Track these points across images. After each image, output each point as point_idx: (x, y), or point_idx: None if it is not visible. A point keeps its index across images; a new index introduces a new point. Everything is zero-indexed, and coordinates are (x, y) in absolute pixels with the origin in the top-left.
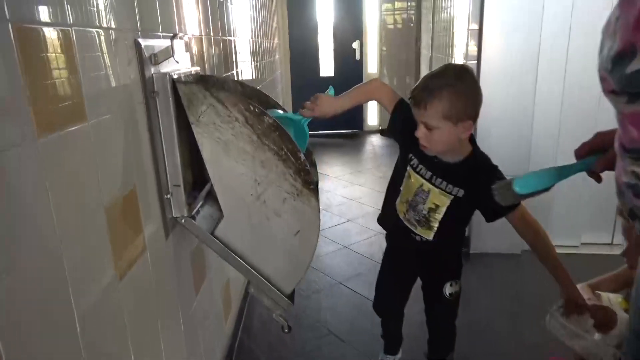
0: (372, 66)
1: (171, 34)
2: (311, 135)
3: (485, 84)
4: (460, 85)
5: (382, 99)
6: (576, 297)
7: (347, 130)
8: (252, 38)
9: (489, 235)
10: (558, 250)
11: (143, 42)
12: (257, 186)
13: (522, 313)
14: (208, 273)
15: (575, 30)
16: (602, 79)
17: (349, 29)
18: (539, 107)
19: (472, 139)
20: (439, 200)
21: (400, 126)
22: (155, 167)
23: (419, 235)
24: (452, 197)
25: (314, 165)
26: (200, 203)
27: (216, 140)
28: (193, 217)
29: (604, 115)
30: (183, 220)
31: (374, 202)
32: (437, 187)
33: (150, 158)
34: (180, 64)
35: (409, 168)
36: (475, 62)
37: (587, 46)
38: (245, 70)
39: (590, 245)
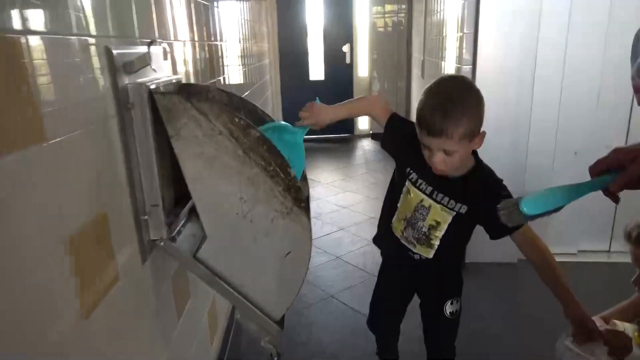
0: (362, 70)
1: (148, 40)
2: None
3: (481, 89)
4: (472, 99)
5: (378, 116)
6: (585, 320)
7: (337, 134)
8: (240, 42)
9: (485, 245)
10: (556, 259)
11: (115, 50)
12: (243, 204)
13: (522, 323)
14: (192, 293)
15: (573, 34)
16: (637, 90)
17: (339, 32)
18: (536, 112)
19: (474, 152)
20: (440, 216)
21: (395, 142)
22: (131, 186)
23: (417, 253)
24: (455, 213)
25: (305, 179)
26: (183, 221)
27: (198, 156)
28: (173, 238)
29: (603, 120)
30: (162, 243)
31: (367, 210)
32: (438, 202)
33: (125, 177)
34: (159, 73)
35: (407, 183)
36: (470, 66)
37: (585, 49)
38: (233, 75)
39: (588, 253)
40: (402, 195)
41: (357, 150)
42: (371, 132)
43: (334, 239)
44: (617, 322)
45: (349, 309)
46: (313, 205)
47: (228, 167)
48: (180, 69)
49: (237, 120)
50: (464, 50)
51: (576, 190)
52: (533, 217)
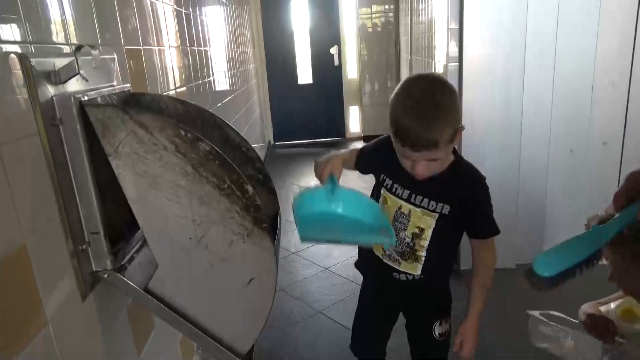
0: (351, 71)
1: (76, 45)
2: (290, 145)
3: (468, 87)
4: (449, 100)
5: (351, 165)
6: (468, 337)
7: (328, 138)
8: (218, 47)
9: None
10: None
11: (35, 58)
12: (196, 228)
13: (522, 331)
14: (157, 322)
15: (562, 24)
16: None
17: (326, 34)
18: (527, 110)
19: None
20: (423, 222)
21: (369, 163)
22: (64, 212)
23: (403, 273)
24: (437, 215)
25: (273, 192)
26: (137, 246)
27: (141, 174)
28: (122, 268)
29: (598, 117)
30: (106, 275)
31: None
32: (418, 206)
33: (55, 202)
34: (97, 82)
35: (383, 191)
36: (457, 64)
37: (576, 39)
38: (208, 82)
39: None
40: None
41: None
42: (363, 134)
43: (322, 249)
44: (601, 308)
45: (338, 326)
46: None
47: (176, 186)
48: (138, 77)
49: (183, 133)
50: (449, 48)
51: (601, 234)
52: (557, 278)
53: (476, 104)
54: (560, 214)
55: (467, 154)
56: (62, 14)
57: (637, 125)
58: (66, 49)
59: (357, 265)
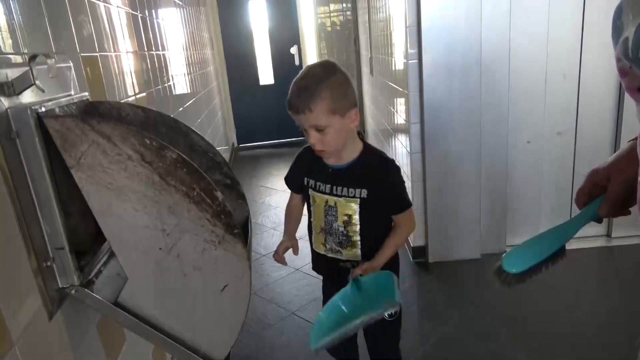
0: None
1: (30, 55)
2: (255, 147)
3: (428, 83)
4: (333, 77)
5: (297, 204)
6: (370, 268)
7: (292, 138)
8: (176, 50)
9: (447, 243)
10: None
11: None
12: (166, 237)
13: (491, 321)
14: (128, 335)
15: (515, 20)
16: (624, 73)
17: (286, 34)
18: (485, 103)
19: (360, 136)
20: (348, 208)
21: (296, 177)
22: (25, 229)
23: (347, 261)
24: (358, 199)
25: (242, 197)
26: (104, 259)
27: (106, 186)
28: (90, 282)
29: (552, 108)
30: (73, 291)
31: None
32: (340, 196)
33: (15, 219)
34: (54, 93)
35: (310, 192)
36: (416, 60)
37: (528, 29)
38: (169, 86)
39: None
40: (311, 208)
41: None
42: None
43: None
44: None
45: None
46: (270, 214)
47: (143, 196)
48: (96, 85)
49: (148, 141)
50: (409, 44)
51: (565, 230)
52: (524, 274)
53: (436, 99)
54: (521, 204)
55: (430, 149)
56: (12, 20)
57: (589, 116)
58: (18, 59)
59: (313, 268)
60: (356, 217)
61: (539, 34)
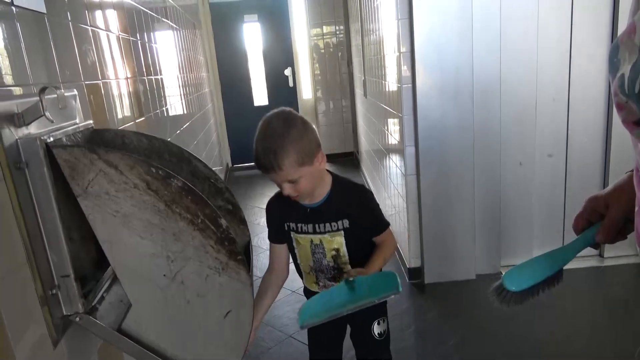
0: (306, 92)
1: (41, 87)
2: (249, 167)
3: (422, 108)
4: (293, 130)
5: (283, 259)
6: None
7: None
8: (174, 74)
9: (442, 264)
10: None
11: None
12: (170, 264)
13: (488, 342)
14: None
15: (505, 44)
16: (620, 107)
17: (280, 56)
18: (478, 127)
19: (328, 170)
20: (335, 242)
21: (278, 234)
22: (32, 257)
23: None
24: (342, 230)
25: (244, 222)
26: (106, 285)
27: (112, 214)
28: (94, 309)
29: (542, 131)
30: (77, 319)
31: None
32: (324, 232)
33: (23, 247)
34: (64, 121)
35: (292, 235)
36: (410, 85)
37: (519, 54)
38: (167, 109)
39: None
40: (296, 252)
41: None
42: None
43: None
44: None
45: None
46: (265, 235)
47: (149, 224)
48: (99, 112)
49: (154, 170)
50: (402, 69)
51: (563, 254)
52: (523, 294)
53: (430, 122)
54: (514, 224)
55: (425, 171)
56: (19, 52)
57: (578, 138)
58: (27, 90)
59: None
60: (344, 249)
61: (528, 59)
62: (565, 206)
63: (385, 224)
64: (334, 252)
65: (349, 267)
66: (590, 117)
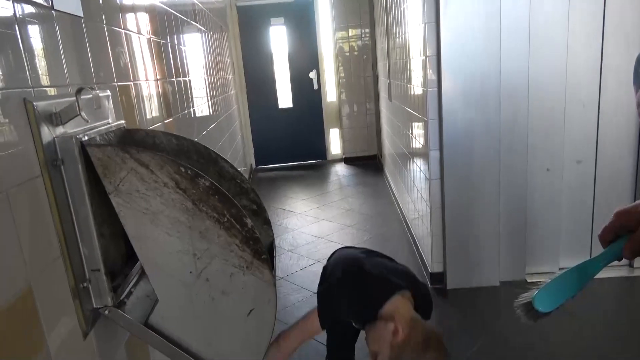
0: (331, 95)
1: (77, 87)
2: (272, 169)
3: (448, 113)
4: None
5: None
6: None
7: (310, 160)
8: (201, 76)
9: (466, 269)
10: (537, 278)
11: (37, 102)
12: (196, 262)
13: (510, 350)
14: (153, 356)
15: (534, 48)
16: None
17: (305, 59)
18: (504, 132)
19: None
20: None
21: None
22: (66, 251)
23: None
24: None
25: (268, 223)
26: (134, 280)
27: (142, 212)
28: (122, 303)
29: (571, 136)
30: (107, 312)
31: (343, 239)
32: None
33: (58, 241)
34: (97, 121)
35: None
36: (436, 89)
37: (548, 59)
38: (195, 111)
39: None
40: None
41: (330, 176)
42: (344, 156)
43: (310, 273)
44: None
45: None
46: (288, 237)
47: (177, 221)
48: (130, 112)
49: (183, 169)
50: (428, 72)
51: (590, 268)
52: (549, 313)
53: (455, 126)
54: (540, 231)
55: (449, 175)
56: (59, 55)
57: (609, 145)
58: (64, 90)
59: None
60: None
61: (557, 64)
62: (594, 214)
63: None
64: None
65: None
66: (622, 124)
